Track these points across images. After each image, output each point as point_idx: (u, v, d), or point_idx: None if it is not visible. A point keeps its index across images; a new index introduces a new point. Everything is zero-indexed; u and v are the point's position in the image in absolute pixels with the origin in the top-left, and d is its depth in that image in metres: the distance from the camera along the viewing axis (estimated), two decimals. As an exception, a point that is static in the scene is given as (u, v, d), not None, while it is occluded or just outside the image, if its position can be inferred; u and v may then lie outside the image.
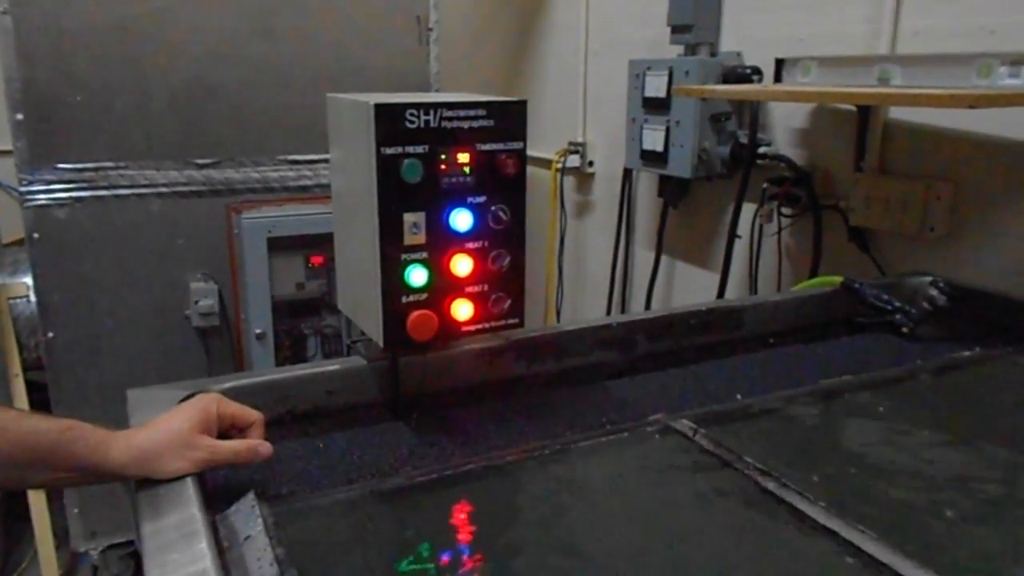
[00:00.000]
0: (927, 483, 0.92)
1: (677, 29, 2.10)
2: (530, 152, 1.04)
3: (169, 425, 0.81)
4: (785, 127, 1.99)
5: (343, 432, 1.06)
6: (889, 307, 1.43)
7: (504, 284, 1.06)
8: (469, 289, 1.04)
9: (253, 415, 0.89)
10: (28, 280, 2.50)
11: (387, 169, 0.95)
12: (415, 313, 1.00)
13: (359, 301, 1.08)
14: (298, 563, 0.73)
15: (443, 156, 0.98)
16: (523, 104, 1.02)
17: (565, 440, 1.01)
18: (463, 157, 0.99)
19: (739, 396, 1.16)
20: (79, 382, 2.18)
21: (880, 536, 0.77)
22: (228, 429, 0.87)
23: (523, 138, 1.03)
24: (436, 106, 0.96)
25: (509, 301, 1.06)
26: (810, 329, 1.44)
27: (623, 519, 0.87)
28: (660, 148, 2.11)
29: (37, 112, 2.03)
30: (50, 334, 2.13)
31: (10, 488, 0.83)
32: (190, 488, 0.79)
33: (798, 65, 1.84)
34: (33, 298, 2.20)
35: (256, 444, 0.85)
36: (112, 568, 2.36)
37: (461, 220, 1.01)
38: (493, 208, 1.02)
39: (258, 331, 2.15)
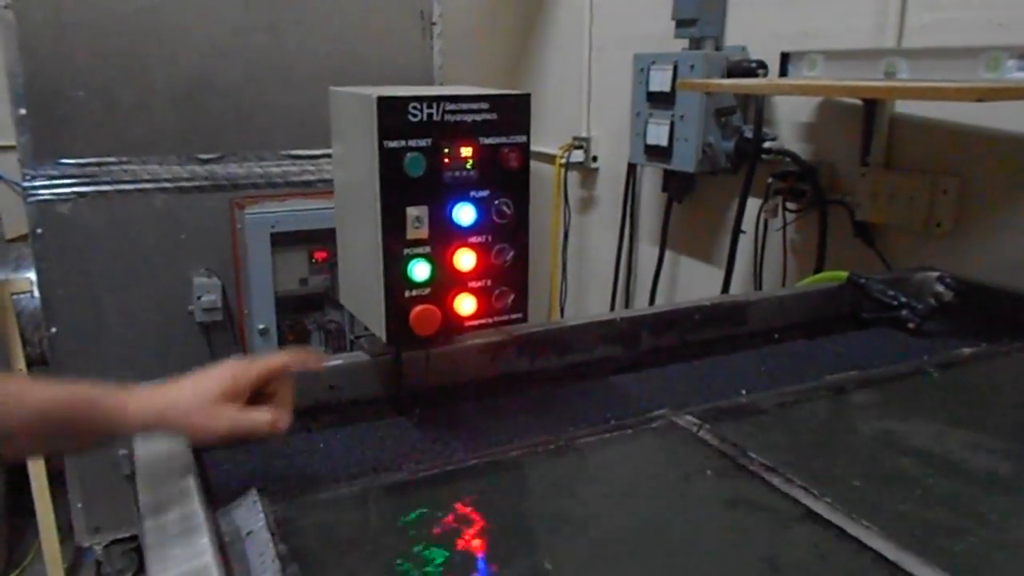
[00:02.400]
0: (933, 479, 0.91)
1: (682, 23, 2.09)
2: (533, 147, 1.04)
3: (196, 388, 0.80)
4: (790, 121, 1.98)
5: (346, 427, 1.06)
6: (895, 302, 1.42)
7: (507, 279, 1.05)
8: (472, 284, 1.03)
9: (275, 363, 0.84)
10: (32, 275, 2.50)
11: (390, 163, 0.94)
12: (418, 308, 0.99)
13: (361, 296, 1.08)
14: (300, 559, 0.73)
15: (446, 150, 0.97)
16: (527, 97, 1.02)
17: (569, 436, 1.00)
18: (466, 151, 0.99)
19: (744, 392, 1.16)
20: (83, 377, 2.17)
21: (885, 532, 0.76)
22: (263, 388, 0.84)
23: (527, 131, 1.02)
24: (439, 99, 0.96)
25: (512, 296, 1.06)
26: (815, 324, 1.43)
27: (627, 515, 0.86)
28: (664, 143, 2.10)
29: (40, 107, 2.02)
30: (53, 329, 2.13)
31: (26, 457, 0.83)
32: (191, 483, 0.79)
33: (804, 59, 1.82)
34: (36, 293, 2.19)
35: (275, 419, 0.81)
36: (116, 563, 2.37)
37: (464, 214, 1.00)
38: (496, 202, 1.01)
39: (261, 326, 2.15)
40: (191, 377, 0.82)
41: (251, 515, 0.79)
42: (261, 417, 0.81)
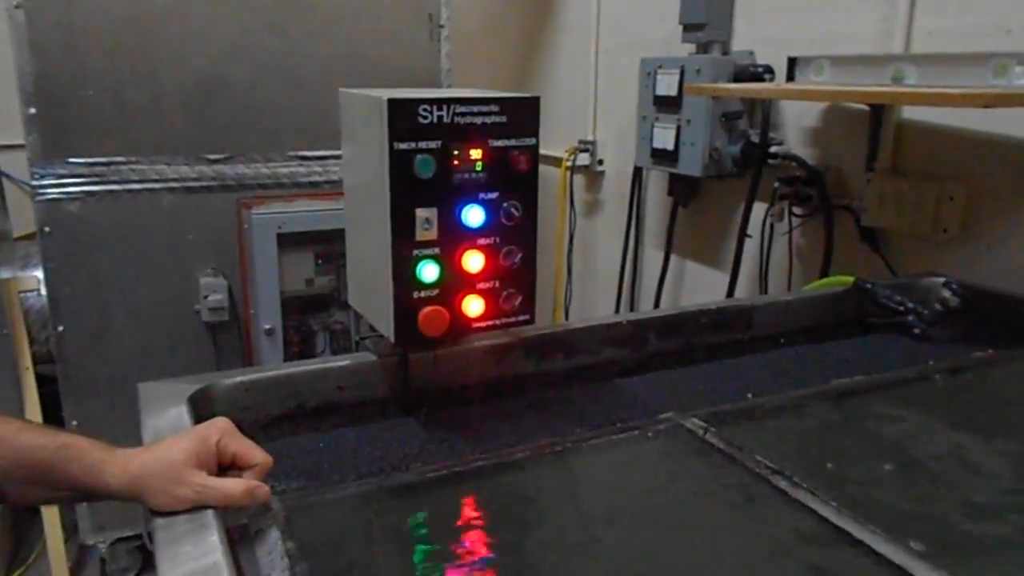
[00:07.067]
0: (938, 483, 0.91)
1: (689, 27, 2.10)
2: (540, 150, 1.04)
3: (166, 453, 0.76)
4: (797, 126, 1.98)
5: (353, 428, 1.06)
6: (901, 308, 1.42)
7: (515, 280, 1.06)
8: (480, 285, 1.04)
9: (257, 457, 0.80)
10: (39, 274, 2.51)
11: (400, 164, 0.95)
12: (426, 309, 1.00)
13: (370, 297, 1.08)
14: (309, 557, 0.73)
15: (456, 152, 0.98)
16: (536, 100, 1.02)
17: (575, 438, 1.00)
18: (476, 153, 0.99)
19: (750, 395, 1.16)
20: (89, 376, 2.19)
21: (891, 536, 0.77)
22: (229, 466, 0.79)
23: (536, 134, 1.03)
24: (449, 101, 0.96)
25: (520, 298, 1.06)
26: (821, 329, 1.43)
27: (633, 518, 0.87)
28: (671, 147, 2.10)
29: (49, 106, 2.03)
30: (60, 328, 2.14)
31: (10, 503, 0.80)
32: (201, 481, 0.79)
33: (811, 64, 1.82)
34: (44, 292, 2.20)
35: (253, 487, 0.77)
36: (120, 561, 2.37)
37: (473, 216, 1.01)
38: (505, 204, 1.02)
39: (267, 326, 2.16)
40: (170, 439, 0.79)
41: (260, 514, 0.80)
42: (237, 486, 0.76)
